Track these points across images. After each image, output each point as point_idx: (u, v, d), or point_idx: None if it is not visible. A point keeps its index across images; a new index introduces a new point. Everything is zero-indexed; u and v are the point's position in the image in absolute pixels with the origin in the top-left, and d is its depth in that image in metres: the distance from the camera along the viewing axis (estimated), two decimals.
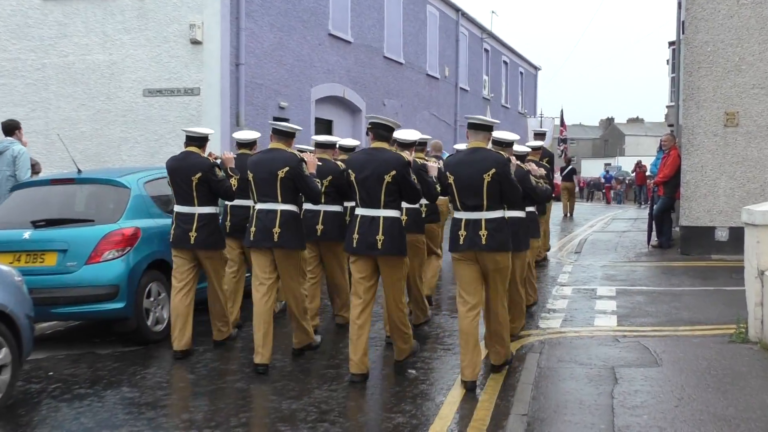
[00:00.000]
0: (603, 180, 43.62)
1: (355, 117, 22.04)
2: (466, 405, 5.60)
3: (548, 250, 13.12)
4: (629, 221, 21.23)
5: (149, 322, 7.60)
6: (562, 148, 28.27)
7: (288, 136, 6.74)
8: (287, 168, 6.48)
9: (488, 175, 5.82)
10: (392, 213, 6.12)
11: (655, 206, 14.12)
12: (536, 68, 44.73)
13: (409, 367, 6.54)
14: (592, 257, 13.32)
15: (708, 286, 10.16)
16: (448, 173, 6.03)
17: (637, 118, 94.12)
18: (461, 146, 13.13)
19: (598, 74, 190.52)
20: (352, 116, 22.00)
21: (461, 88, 30.82)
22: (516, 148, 7.21)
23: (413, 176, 6.18)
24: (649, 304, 9.05)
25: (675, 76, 19.36)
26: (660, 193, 14.00)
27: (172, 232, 7.19)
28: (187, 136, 7.33)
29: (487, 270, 5.97)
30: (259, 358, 6.51)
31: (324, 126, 20.76)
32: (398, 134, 6.56)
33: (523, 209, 7.08)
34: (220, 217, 7.57)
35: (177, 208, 7.21)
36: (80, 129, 15.78)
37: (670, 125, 24.34)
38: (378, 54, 23.02)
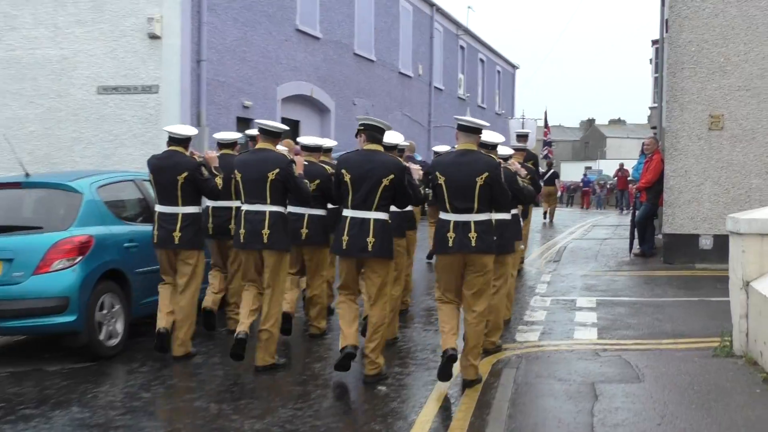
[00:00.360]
0: (581, 183, 43.97)
1: (324, 117, 22.02)
2: (439, 424, 5.60)
3: (522, 261, 13.20)
4: (610, 228, 21.44)
5: (102, 337, 7.51)
6: (546, 151, 28.48)
7: (275, 135, 7.06)
8: (278, 170, 6.83)
9: (481, 178, 6.15)
10: (382, 216, 6.46)
11: (637, 213, 14.26)
12: (514, 67, 45.02)
13: (380, 383, 6.53)
14: (572, 266, 13.41)
15: (692, 296, 10.28)
16: (438, 174, 6.30)
17: (619, 119, 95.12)
18: (441, 148, 13.53)
19: (579, 73, 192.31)
20: (320, 116, 21.97)
21: (435, 88, 30.93)
22: (499, 150, 7.48)
23: (407, 182, 6.53)
24: (631, 316, 9.13)
25: (658, 76, 19.57)
26: (642, 199, 14.14)
27: (155, 233, 7.46)
28: (170, 137, 7.58)
29: (474, 272, 6.26)
30: (242, 327, 6.91)
31: (291, 127, 20.66)
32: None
33: (509, 211, 7.33)
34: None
35: (160, 209, 7.48)
36: (28, 128, 15.57)
37: (653, 127, 24.61)
38: (348, 51, 23.03)
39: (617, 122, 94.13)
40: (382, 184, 6.38)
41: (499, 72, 41.65)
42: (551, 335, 8.28)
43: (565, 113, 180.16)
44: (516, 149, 11.93)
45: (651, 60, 28.11)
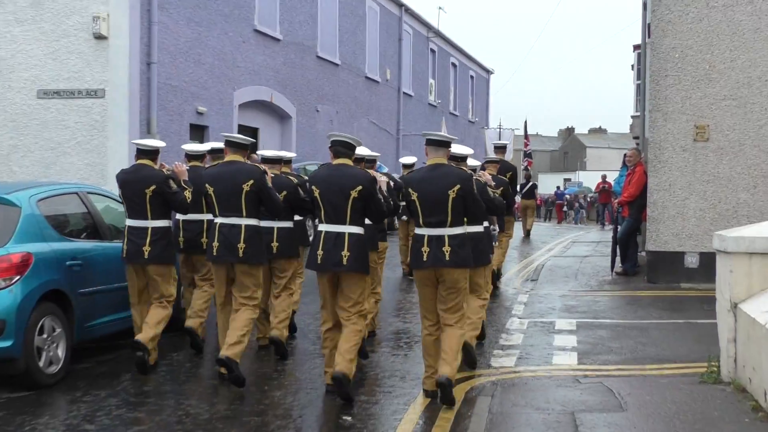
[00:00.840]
0: (555, 196, 44.51)
1: (284, 124, 22.01)
2: None
3: (499, 278, 13.35)
4: (591, 245, 21.60)
5: (41, 363, 7.40)
6: (526, 163, 28.79)
7: (244, 147, 7.62)
8: (252, 181, 7.37)
9: (453, 191, 6.65)
10: (357, 230, 6.90)
11: (619, 228, 14.39)
12: (488, 72, 45.42)
13: (344, 412, 6.52)
14: (550, 286, 13.51)
15: (677, 318, 10.40)
16: (410, 190, 6.80)
17: (600, 128, 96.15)
18: (408, 159, 13.93)
19: (557, 79, 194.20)
20: (280, 123, 21.96)
21: (404, 93, 31.07)
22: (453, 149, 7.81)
23: (380, 194, 7.01)
24: (613, 340, 9.21)
25: (640, 83, 19.82)
26: (624, 214, 14.28)
27: (124, 247, 7.93)
28: (138, 149, 8.11)
29: (445, 286, 6.68)
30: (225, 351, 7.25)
31: (249, 135, 20.56)
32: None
33: (482, 223, 7.88)
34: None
35: (129, 222, 7.97)
36: None
37: (636, 137, 24.88)
38: (310, 53, 23.06)
39: (598, 131, 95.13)
40: (351, 197, 6.80)
41: (472, 77, 41.97)
42: (529, 360, 8.32)
43: (543, 122, 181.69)
44: (489, 161, 12.22)
45: (633, 66, 28.48)
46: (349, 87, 25.99)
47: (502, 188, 12.41)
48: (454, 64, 38.52)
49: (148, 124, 15.60)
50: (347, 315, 6.86)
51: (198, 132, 17.69)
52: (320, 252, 6.83)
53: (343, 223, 6.82)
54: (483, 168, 12.14)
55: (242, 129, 19.75)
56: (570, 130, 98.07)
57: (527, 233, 24.04)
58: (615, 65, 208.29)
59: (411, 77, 32.04)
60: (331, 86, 24.56)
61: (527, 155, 30.06)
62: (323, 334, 7.06)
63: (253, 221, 7.41)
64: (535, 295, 12.55)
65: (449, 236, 6.64)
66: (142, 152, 8.05)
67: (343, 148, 6.99)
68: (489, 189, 8.12)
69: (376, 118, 28.35)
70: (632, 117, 28.94)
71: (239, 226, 7.35)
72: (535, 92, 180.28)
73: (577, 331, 9.67)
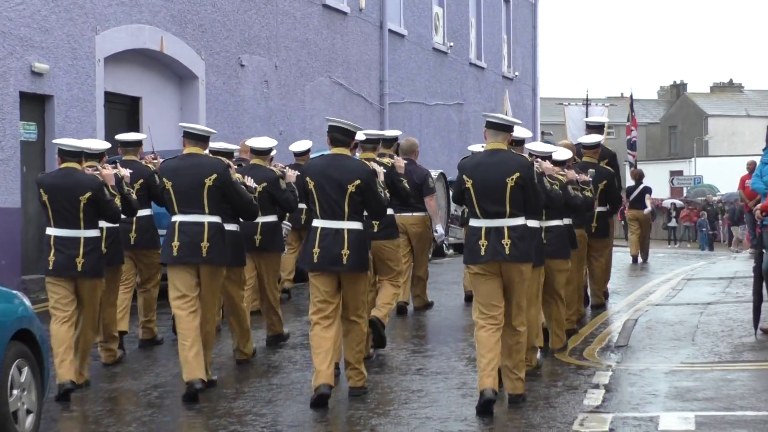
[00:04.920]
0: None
1: (185, 90, 21.98)
2: None
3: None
4: (717, 284, 21.58)
5: None
6: (632, 156, 29.35)
7: (203, 139, 11.21)
8: (215, 175, 10.89)
9: (512, 179, 9.92)
10: (357, 225, 10.46)
11: (765, 254, 14.39)
12: None
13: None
14: (650, 355, 13.53)
15: None
16: (465, 177, 10.14)
17: (731, 83, 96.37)
18: (477, 147, 17.06)
19: (651, 5, 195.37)
20: (178, 88, 21.95)
21: (391, 32, 31.02)
22: (534, 147, 10.88)
23: (380, 187, 10.61)
24: None
25: None
26: None
27: (50, 258, 11.28)
28: (62, 151, 11.40)
29: (510, 282, 10.09)
30: (191, 375, 10.69)
31: (125, 108, 20.65)
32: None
33: (538, 218, 11.17)
34: None
35: (55, 232, 11.31)
36: None
37: None
38: None
39: (727, 89, 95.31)
40: (348, 191, 10.32)
41: (507, 1, 41.96)
42: None
43: (632, 77, 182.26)
44: (587, 146, 15.11)
45: None
46: (296, 24, 25.98)
47: (605, 182, 14.49)
48: None
49: None
50: (353, 318, 10.57)
51: (35, 106, 17.70)
52: (316, 249, 10.32)
53: (341, 218, 10.33)
54: (580, 154, 13.74)
55: (112, 99, 19.74)
56: (678, 89, 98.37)
57: (642, 257, 24.88)
58: None
59: (402, 4, 32.06)
60: (265, 23, 24.55)
61: (633, 145, 30.62)
62: (316, 335, 10.33)
63: (216, 218, 10.91)
64: (625, 371, 12.57)
65: (509, 228, 9.93)
66: (67, 154, 11.29)
67: (340, 135, 10.50)
68: (546, 180, 11.07)
69: (344, 76, 28.35)
70: None
71: (202, 223, 10.84)
72: (617, 27, 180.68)
73: None
